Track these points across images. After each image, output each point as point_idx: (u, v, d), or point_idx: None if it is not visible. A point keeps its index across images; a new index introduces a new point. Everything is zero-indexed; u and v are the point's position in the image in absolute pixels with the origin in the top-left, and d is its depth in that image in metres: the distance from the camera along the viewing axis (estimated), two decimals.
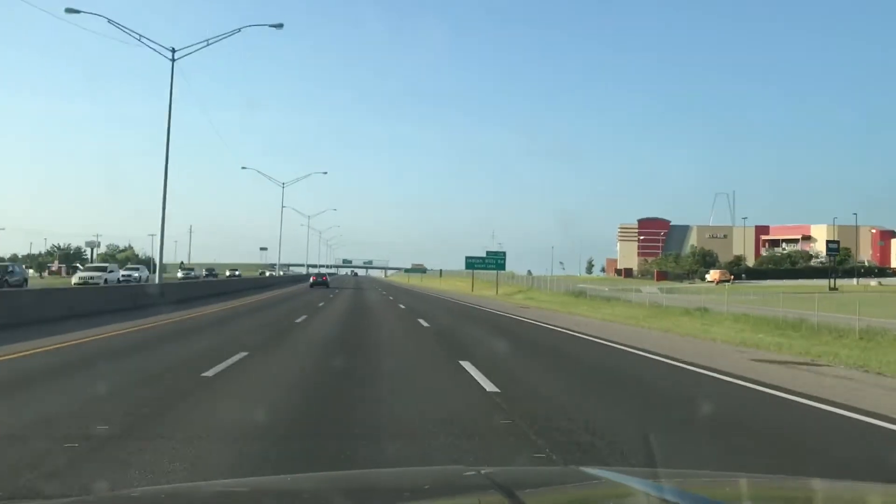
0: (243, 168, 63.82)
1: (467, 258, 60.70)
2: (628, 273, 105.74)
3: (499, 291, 59.63)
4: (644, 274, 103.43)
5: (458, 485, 2.29)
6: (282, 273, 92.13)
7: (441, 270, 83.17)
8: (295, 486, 2.40)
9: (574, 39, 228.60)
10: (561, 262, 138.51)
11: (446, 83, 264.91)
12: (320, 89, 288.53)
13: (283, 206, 65.00)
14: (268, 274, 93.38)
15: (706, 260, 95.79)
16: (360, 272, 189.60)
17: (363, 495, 2.18)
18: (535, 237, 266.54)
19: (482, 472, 2.30)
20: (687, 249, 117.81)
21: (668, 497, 1.80)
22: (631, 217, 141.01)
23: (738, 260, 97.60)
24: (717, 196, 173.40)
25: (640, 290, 61.83)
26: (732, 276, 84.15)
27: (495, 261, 60.41)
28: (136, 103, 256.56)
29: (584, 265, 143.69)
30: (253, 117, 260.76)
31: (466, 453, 5.28)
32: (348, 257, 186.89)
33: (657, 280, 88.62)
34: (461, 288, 76.85)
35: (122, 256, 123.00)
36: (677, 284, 75.24)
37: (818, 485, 2.52)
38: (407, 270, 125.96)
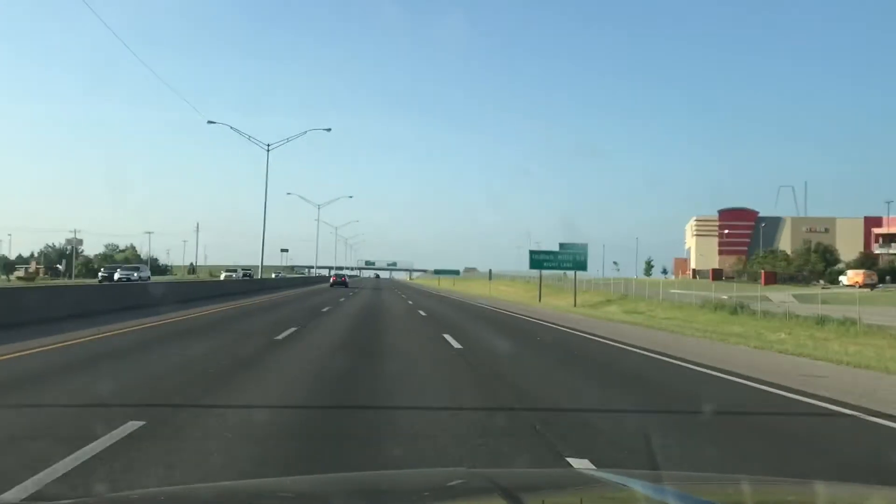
0: (210, 122, 44.30)
1: (532, 253, 42.90)
2: (717, 275, 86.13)
3: (577, 301, 41.86)
4: (737, 275, 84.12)
5: (459, 487, 2.23)
6: (275, 275, 74.30)
7: (490, 271, 65.17)
8: (294, 487, 2.40)
9: (593, 34, 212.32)
10: (615, 262, 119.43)
11: (464, 83, 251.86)
12: (338, 90, 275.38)
13: (267, 174, 47.24)
14: (223, 275, 69.54)
15: (826, 257, 75.98)
16: (384, 274, 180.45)
17: (363, 497, 2.13)
18: (563, 237, 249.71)
19: (484, 473, 2.39)
20: (779, 244, 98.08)
21: (670, 500, 1.78)
22: (674, 212, 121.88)
23: (871, 258, 77.11)
24: (780, 189, 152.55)
25: (768, 299, 43.75)
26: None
27: (572, 257, 42.50)
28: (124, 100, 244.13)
29: (641, 266, 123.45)
30: (264, 120, 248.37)
31: None
32: (371, 259, 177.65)
33: (764, 283, 69.54)
34: (514, 295, 59.06)
35: (121, 257, 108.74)
36: (807, 290, 56.55)
37: (821, 488, 2.37)
38: (436, 272, 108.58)
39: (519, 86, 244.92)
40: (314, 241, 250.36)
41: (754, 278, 77.93)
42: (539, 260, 42.66)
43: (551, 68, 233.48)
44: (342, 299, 34.70)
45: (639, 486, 1.98)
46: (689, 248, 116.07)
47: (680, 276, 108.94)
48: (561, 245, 42.93)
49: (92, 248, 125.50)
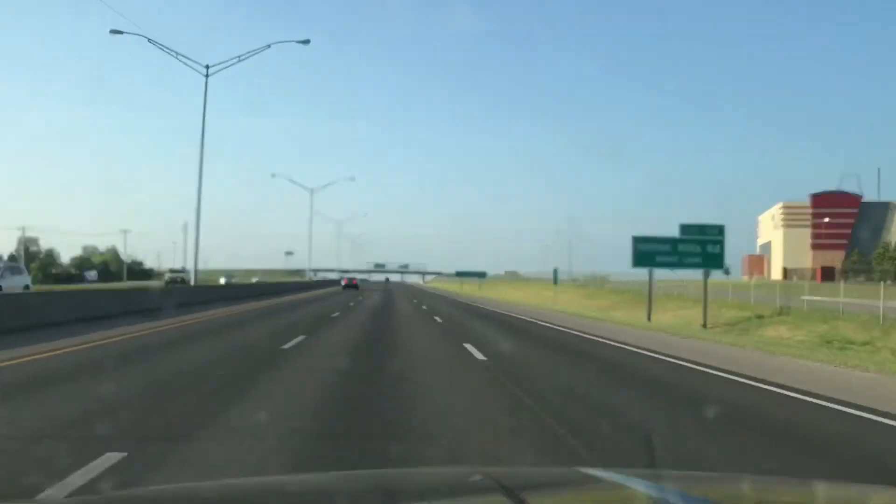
0: (113, 32, 28.64)
1: (637, 242, 25.76)
2: (828, 274, 68.20)
3: (708, 320, 24.98)
4: (850, 275, 66.11)
5: (462, 485, 2.23)
6: (224, 280, 55.54)
7: (556, 270, 48.16)
8: (298, 486, 2.41)
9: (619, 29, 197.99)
10: None
11: (480, 83, 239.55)
12: (339, 89, 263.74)
13: (205, 103, 31.32)
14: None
15: None
16: (394, 277, 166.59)
17: (366, 496, 2.09)
18: (577, 237, 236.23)
19: (486, 472, 2.34)
20: (888, 235, 79.64)
21: (670, 499, 1.77)
22: (711, 208, 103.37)
23: None
24: (843, 176, 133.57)
25: None
26: None
27: (700, 248, 25.53)
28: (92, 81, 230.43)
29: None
30: (265, 121, 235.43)
31: None
32: (381, 261, 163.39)
33: None
34: (583, 307, 42.23)
35: (99, 259, 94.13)
36: None
37: (821, 487, 2.30)
38: (458, 274, 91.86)
39: (525, 88, 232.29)
40: (323, 244, 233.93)
41: (881, 278, 59.74)
42: (649, 252, 25.57)
43: (559, 70, 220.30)
44: (291, 342, 15.54)
45: (639, 486, 1.96)
46: (769, 243, 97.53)
47: (754, 276, 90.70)
48: (683, 228, 25.91)
49: (72, 251, 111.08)
